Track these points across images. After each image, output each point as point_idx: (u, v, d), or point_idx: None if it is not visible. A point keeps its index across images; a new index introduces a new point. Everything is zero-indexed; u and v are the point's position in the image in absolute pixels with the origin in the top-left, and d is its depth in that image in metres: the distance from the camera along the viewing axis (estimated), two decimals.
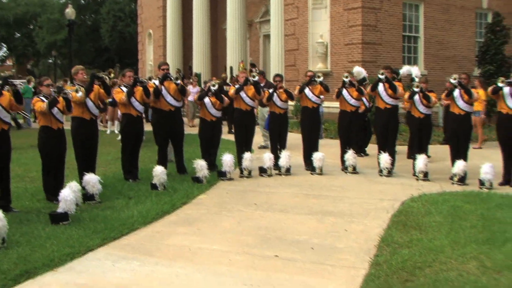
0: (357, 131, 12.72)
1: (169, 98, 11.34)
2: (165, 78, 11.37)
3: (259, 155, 12.76)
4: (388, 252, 6.49)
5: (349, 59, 20.99)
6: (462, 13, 23.94)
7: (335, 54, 21.80)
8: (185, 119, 13.94)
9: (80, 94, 9.59)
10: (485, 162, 10.64)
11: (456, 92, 11.39)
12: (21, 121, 23.56)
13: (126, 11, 53.64)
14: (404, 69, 14.52)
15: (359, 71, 14.27)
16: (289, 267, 6.07)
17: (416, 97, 11.65)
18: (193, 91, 20.08)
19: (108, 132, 20.02)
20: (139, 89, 10.92)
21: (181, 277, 5.72)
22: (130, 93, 10.78)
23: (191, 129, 19.22)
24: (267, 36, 27.81)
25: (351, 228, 7.66)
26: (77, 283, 5.61)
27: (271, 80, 14.66)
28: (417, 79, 13.06)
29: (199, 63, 29.50)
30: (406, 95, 11.88)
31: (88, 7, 61.51)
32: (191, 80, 22.80)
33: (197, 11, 29.80)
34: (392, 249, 6.57)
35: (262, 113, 15.56)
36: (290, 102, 13.58)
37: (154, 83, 11.44)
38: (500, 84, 10.86)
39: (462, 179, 10.72)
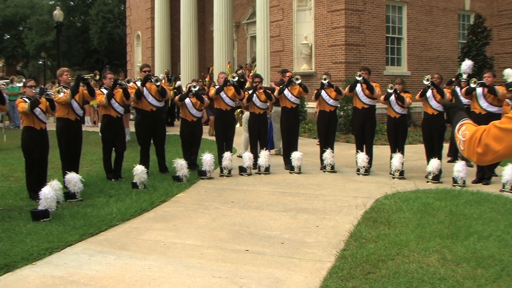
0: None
1: (151, 99, 11.61)
2: (146, 79, 11.63)
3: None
4: (355, 246, 6.65)
5: (333, 60, 21.15)
6: (445, 15, 24.19)
7: (319, 55, 21.94)
8: None
9: (61, 95, 9.79)
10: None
11: (429, 92, 11.68)
12: (7, 122, 23.71)
13: (115, 13, 53.74)
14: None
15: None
16: (258, 260, 6.28)
17: (392, 98, 11.90)
18: None
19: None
20: (119, 91, 11.14)
21: (153, 269, 5.95)
22: (110, 95, 11.02)
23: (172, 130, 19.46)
24: (254, 38, 27.98)
25: (323, 224, 7.86)
26: (54, 275, 5.82)
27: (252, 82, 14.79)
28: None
29: (187, 65, 29.65)
30: (382, 96, 12.13)
31: (77, 9, 61.52)
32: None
33: (184, 13, 29.95)
34: (359, 244, 6.73)
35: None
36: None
37: (136, 84, 11.69)
38: (473, 85, 11.21)
39: (437, 177, 10.99)
